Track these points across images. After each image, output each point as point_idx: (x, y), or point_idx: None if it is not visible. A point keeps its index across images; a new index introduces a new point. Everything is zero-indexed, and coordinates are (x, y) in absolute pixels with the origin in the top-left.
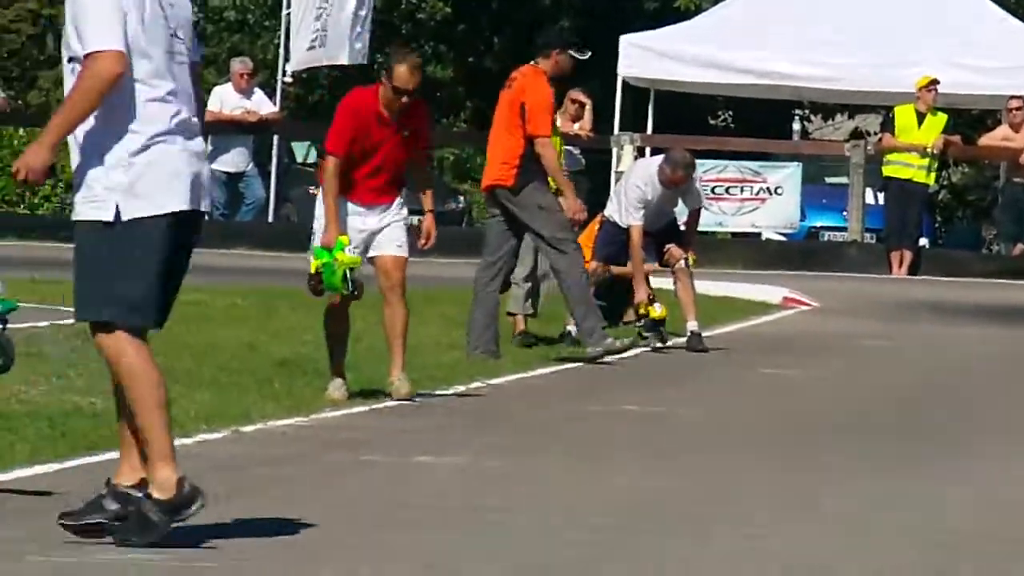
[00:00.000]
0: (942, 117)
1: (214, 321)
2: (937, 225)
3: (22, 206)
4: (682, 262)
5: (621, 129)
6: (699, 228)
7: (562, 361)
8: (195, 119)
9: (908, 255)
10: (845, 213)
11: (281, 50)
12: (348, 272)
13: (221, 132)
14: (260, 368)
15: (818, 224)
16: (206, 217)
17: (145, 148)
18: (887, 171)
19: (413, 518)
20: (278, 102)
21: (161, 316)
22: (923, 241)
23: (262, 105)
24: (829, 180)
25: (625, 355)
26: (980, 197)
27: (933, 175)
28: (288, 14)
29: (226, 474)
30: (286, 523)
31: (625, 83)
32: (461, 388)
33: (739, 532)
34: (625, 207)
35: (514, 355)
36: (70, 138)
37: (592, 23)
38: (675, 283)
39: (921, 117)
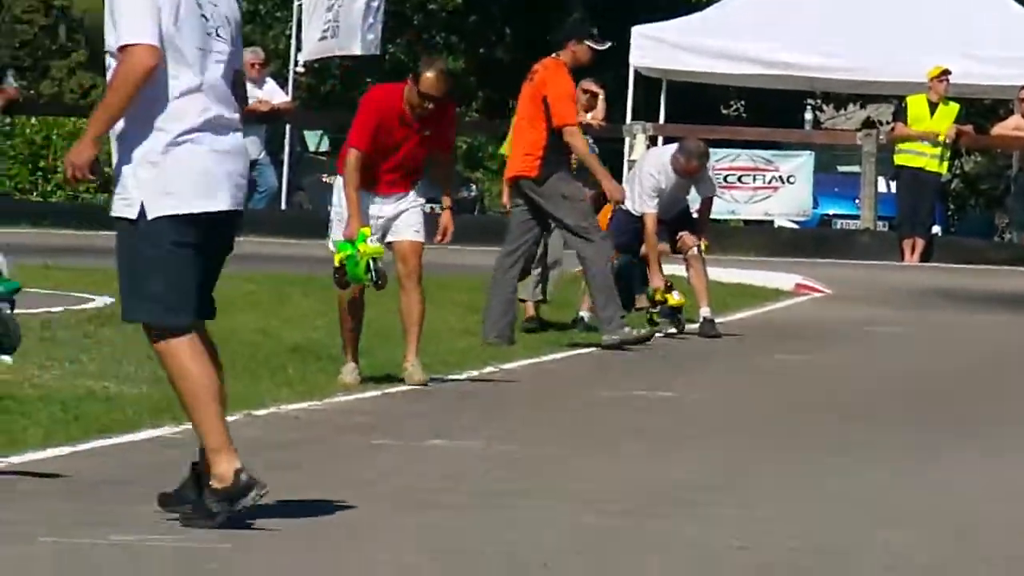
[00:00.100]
0: (954, 107)
1: (227, 308)
2: (949, 213)
3: (35, 194)
4: (695, 249)
5: (633, 119)
6: (712, 216)
7: (574, 347)
8: (229, 116)
9: (920, 243)
10: (857, 201)
11: (293, 40)
12: (371, 262)
13: None
14: (273, 354)
15: (831, 212)
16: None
17: (173, 145)
18: (899, 160)
19: (426, 502)
20: (290, 92)
21: (203, 311)
22: (935, 229)
23: (274, 95)
24: (841, 169)
25: None
26: (993, 186)
27: (946, 164)
28: (300, 4)
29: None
30: (298, 507)
31: (637, 73)
32: (474, 373)
33: (749, 517)
34: (639, 195)
35: (526, 341)
36: (111, 133)
37: (604, 14)
38: (688, 270)
39: (933, 107)
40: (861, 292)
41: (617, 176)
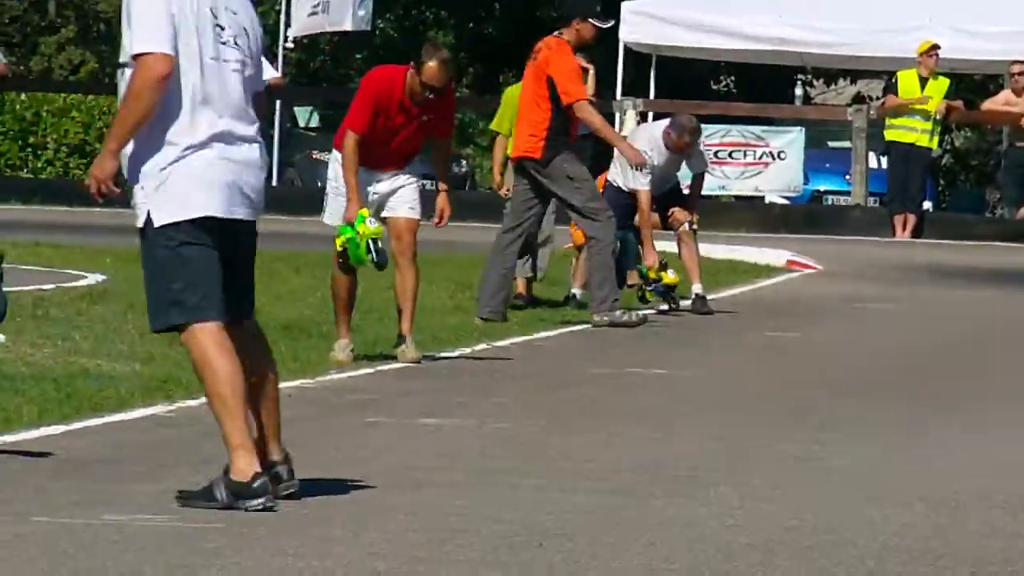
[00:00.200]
0: (944, 81)
1: None
2: (940, 189)
3: (25, 170)
4: (686, 225)
5: (623, 95)
6: (703, 192)
7: (566, 324)
8: (244, 130)
9: (911, 219)
10: (848, 177)
11: (283, 16)
12: (371, 243)
13: None
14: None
15: (821, 188)
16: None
17: (179, 158)
18: (889, 135)
19: (419, 480)
20: (280, 68)
21: (236, 311)
22: (926, 205)
23: (264, 70)
24: (832, 144)
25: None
26: (983, 161)
27: (936, 139)
28: None
29: None
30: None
31: (627, 49)
32: (467, 351)
33: (744, 495)
34: (632, 172)
35: (518, 318)
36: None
37: None
38: (679, 246)
39: (923, 82)
40: (852, 268)
41: (608, 153)
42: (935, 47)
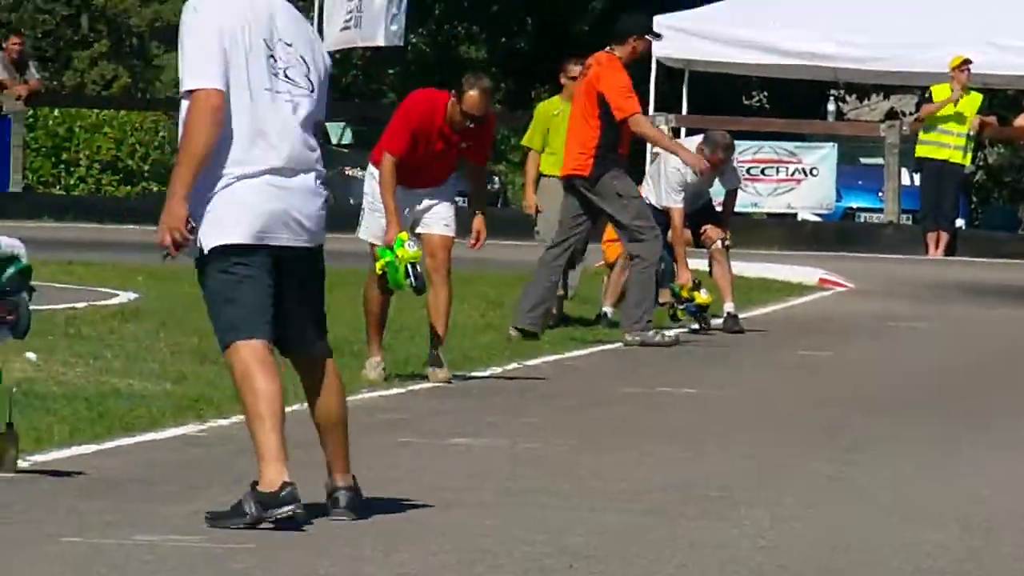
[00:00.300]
0: (977, 96)
1: None
2: (973, 206)
3: (58, 187)
4: (719, 243)
5: (656, 110)
6: (735, 209)
7: (598, 343)
8: (299, 158)
9: (944, 236)
10: (881, 194)
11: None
12: (410, 267)
13: None
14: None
15: (854, 205)
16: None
17: (226, 185)
18: (921, 151)
19: (449, 500)
20: None
21: (296, 340)
22: (959, 222)
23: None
24: (864, 161)
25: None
26: (1016, 178)
27: (969, 156)
28: None
29: None
30: (322, 505)
31: (659, 63)
32: (498, 370)
33: (773, 513)
34: (665, 190)
35: (550, 337)
36: None
37: (625, 4)
38: (711, 264)
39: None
40: (884, 286)
41: (640, 170)
42: (967, 62)
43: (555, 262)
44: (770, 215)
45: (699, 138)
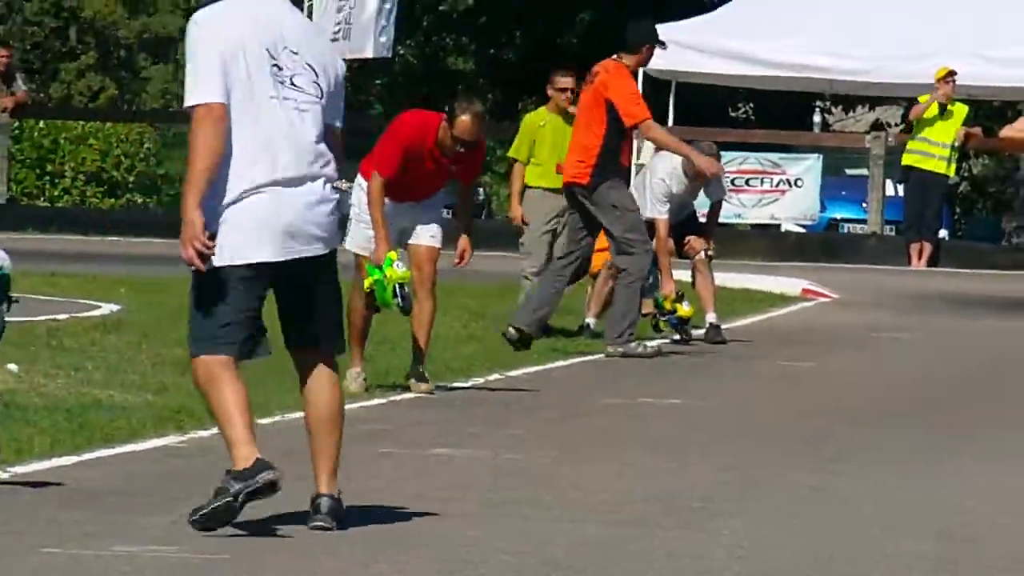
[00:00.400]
0: (962, 108)
1: None
2: (957, 217)
3: (42, 199)
4: (702, 253)
5: None
6: (719, 220)
7: (581, 354)
8: (307, 165)
9: (928, 247)
10: (865, 205)
11: None
12: (398, 288)
13: None
14: (278, 360)
15: (838, 216)
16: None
17: (235, 201)
18: (907, 160)
19: (431, 510)
20: None
21: (298, 338)
22: (943, 233)
23: None
24: (849, 172)
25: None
26: (1000, 189)
27: (953, 166)
28: (310, 5)
29: None
30: (303, 515)
31: (646, 75)
32: (480, 380)
33: (756, 525)
34: (650, 201)
35: (533, 348)
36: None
37: (614, 16)
38: (694, 275)
39: (942, 107)
40: (868, 297)
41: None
42: (951, 73)
43: (562, 271)
44: (754, 226)
45: None
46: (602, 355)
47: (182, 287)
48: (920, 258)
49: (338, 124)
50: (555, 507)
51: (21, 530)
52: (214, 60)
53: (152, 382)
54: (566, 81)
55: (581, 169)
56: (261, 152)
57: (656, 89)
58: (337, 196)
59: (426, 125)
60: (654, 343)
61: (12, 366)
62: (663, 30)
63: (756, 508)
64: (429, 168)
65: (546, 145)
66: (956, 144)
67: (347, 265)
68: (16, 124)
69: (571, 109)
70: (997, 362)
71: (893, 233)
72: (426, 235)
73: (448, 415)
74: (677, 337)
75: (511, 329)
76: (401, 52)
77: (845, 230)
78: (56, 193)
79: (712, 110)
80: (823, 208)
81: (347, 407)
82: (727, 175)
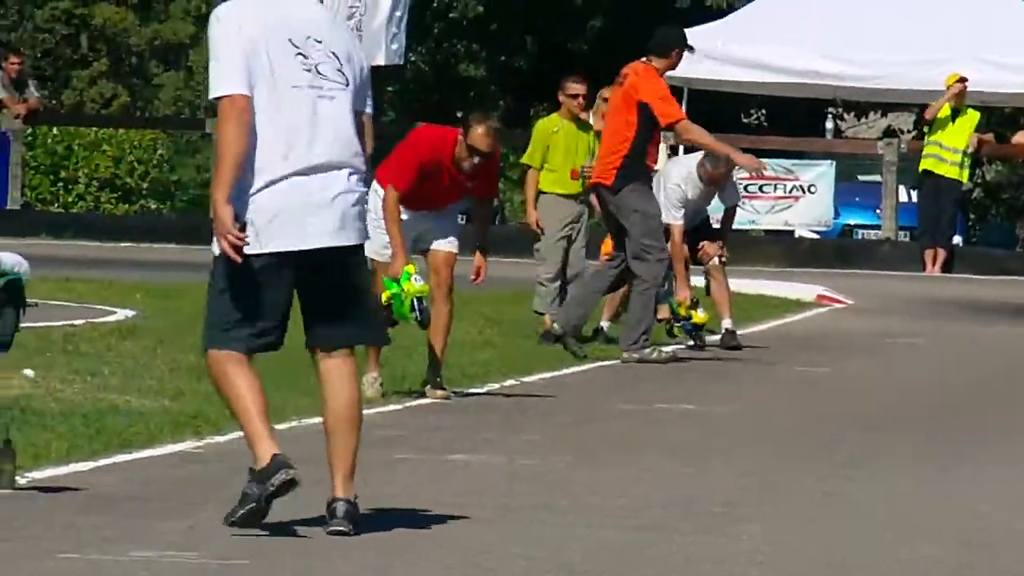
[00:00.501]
0: (974, 114)
1: None
2: (971, 223)
3: (56, 204)
4: (716, 259)
5: None
6: (733, 226)
7: (596, 360)
8: (333, 153)
9: (942, 253)
10: (878, 211)
11: None
12: (416, 302)
13: None
14: (296, 366)
15: (851, 222)
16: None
17: (257, 192)
18: (924, 164)
19: (446, 516)
20: None
21: (316, 338)
22: (957, 239)
23: None
24: (862, 178)
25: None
26: (1014, 195)
27: (967, 173)
28: None
29: None
30: (321, 520)
31: None
32: (495, 386)
33: (770, 529)
34: (665, 206)
35: (547, 353)
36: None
37: (624, 22)
38: (708, 280)
39: (955, 113)
40: (882, 303)
41: None
42: (962, 79)
43: (608, 272)
44: (768, 232)
45: (699, 155)
46: (617, 361)
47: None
48: (934, 264)
49: (368, 110)
50: (571, 512)
51: (38, 535)
52: (236, 53)
53: (169, 387)
54: (577, 87)
55: (607, 170)
56: (283, 142)
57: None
58: (363, 188)
59: (443, 141)
60: (669, 348)
61: (29, 371)
62: None
63: (774, 513)
64: (445, 183)
65: (560, 151)
66: (969, 150)
67: None
68: (29, 131)
69: (583, 115)
70: (1011, 368)
71: (907, 239)
72: (443, 241)
73: (464, 421)
74: (692, 343)
75: (556, 327)
76: (412, 59)
77: (859, 236)
78: (70, 199)
79: (724, 117)
80: (837, 214)
81: (364, 412)
82: (740, 181)
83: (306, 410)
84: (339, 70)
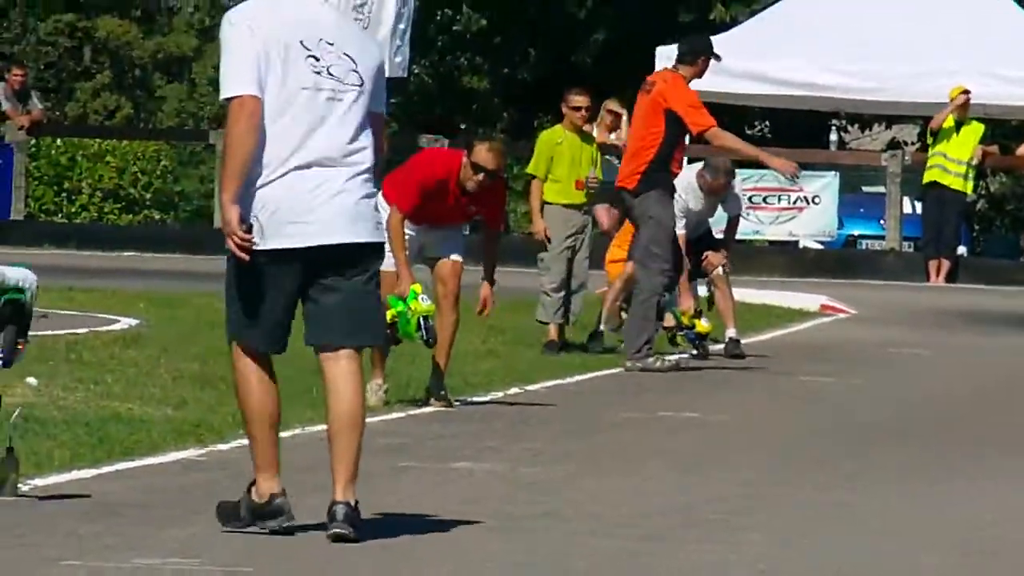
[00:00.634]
0: (979, 126)
1: None
2: (975, 234)
3: (60, 215)
4: (720, 269)
5: None
6: (737, 236)
7: (598, 368)
8: (341, 154)
9: (946, 264)
10: (882, 222)
11: None
12: (422, 320)
13: None
14: (298, 374)
15: (855, 232)
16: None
17: (262, 187)
18: (929, 175)
19: (449, 524)
20: None
21: (319, 337)
22: (961, 250)
23: None
24: (866, 189)
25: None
26: (1018, 207)
27: (970, 184)
28: None
29: None
30: (323, 527)
31: None
32: (499, 395)
33: (772, 539)
34: None
35: (550, 362)
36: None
37: (627, 35)
38: (712, 290)
39: (959, 125)
40: (886, 313)
41: None
42: (966, 92)
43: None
44: (772, 242)
45: (699, 165)
46: (620, 369)
47: (200, 302)
48: (938, 274)
49: (382, 111)
50: (574, 520)
51: (41, 542)
52: (247, 56)
53: (172, 396)
54: (580, 100)
55: (631, 175)
56: (289, 143)
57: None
58: (371, 188)
59: (448, 167)
60: (672, 357)
61: (32, 380)
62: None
63: (776, 522)
64: (449, 203)
65: (564, 162)
66: (973, 162)
67: None
68: (33, 142)
69: (586, 127)
70: (1016, 379)
71: (911, 250)
72: (449, 251)
73: (467, 429)
74: (695, 352)
75: (657, 362)
76: (416, 72)
77: (863, 246)
78: (74, 210)
79: (729, 128)
80: (841, 225)
81: (368, 421)
82: (744, 192)
83: (309, 421)
84: (353, 71)
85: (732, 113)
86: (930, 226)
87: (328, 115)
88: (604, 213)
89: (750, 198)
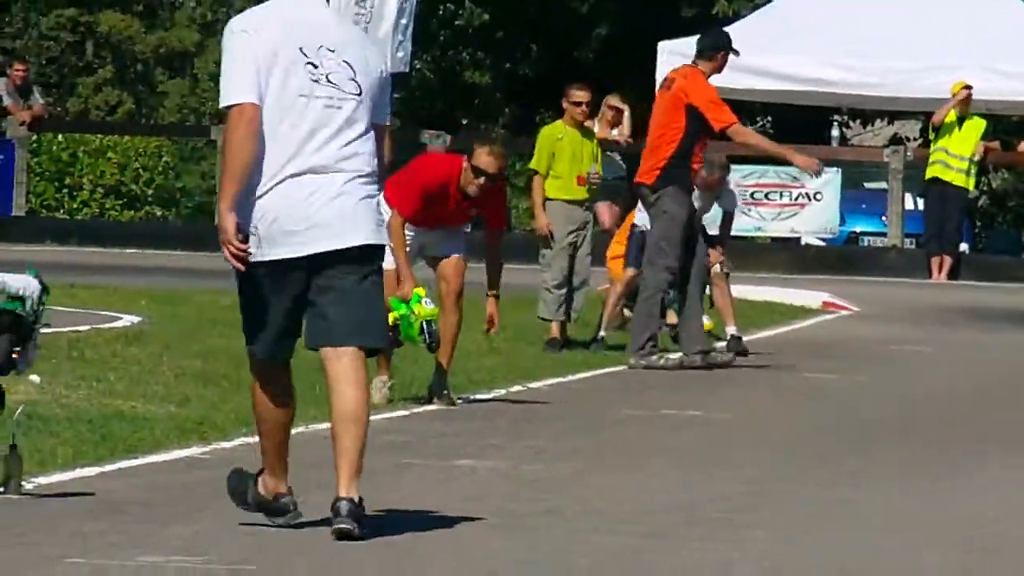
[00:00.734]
0: (981, 122)
1: None
2: (977, 230)
3: (61, 211)
4: (718, 267)
5: None
6: (738, 233)
7: (601, 366)
8: (338, 161)
9: (948, 260)
10: (884, 218)
11: None
12: (425, 324)
13: None
14: (301, 372)
15: (858, 229)
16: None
17: (261, 196)
18: (931, 171)
19: (453, 522)
20: None
21: (323, 338)
22: (963, 246)
23: None
24: (868, 185)
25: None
26: (1020, 203)
27: (972, 180)
28: None
29: None
30: (327, 525)
31: None
32: (502, 392)
33: (776, 536)
34: None
35: (552, 359)
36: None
37: (629, 30)
38: (711, 288)
39: (961, 120)
40: (888, 310)
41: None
42: (967, 87)
43: (694, 279)
44: (774, 239)
45: None
46: (623, 366)
47: (203, 299)
48: (941, 271)
49: (386, 121)
50: (577, 518)
51: (44, 540)
52: (247, 63)
53: (175, 393)
54: (581, 95)
55: (650, 171)
56: (287, 150)
57: None
58: (371, 190)
59: (449, 173)
60: (675, 355)
61: (34, 377)
62: (678, 45)
63: (779, 520)
64: (450, 207)
65: (565, 158)
66: (976, 158)
67: None
68: (34, 137)
69: (587, 123)
70: (1018, 375)
71: (913, 246)
72: (452, 250)
73: (470, 426)
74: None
75: (696, 357)
76: (418, 67)
77: (865, 243)
78: (75, 206)
79: None
80: (843, 221)
81: (371, 418)
82: (746, 188)
83: (313, 419)
84: (352, 79)
85: (734, 108)
86: (932, 222)
87: (326, 123)
88: (605, 210)
89: (752, 194)
